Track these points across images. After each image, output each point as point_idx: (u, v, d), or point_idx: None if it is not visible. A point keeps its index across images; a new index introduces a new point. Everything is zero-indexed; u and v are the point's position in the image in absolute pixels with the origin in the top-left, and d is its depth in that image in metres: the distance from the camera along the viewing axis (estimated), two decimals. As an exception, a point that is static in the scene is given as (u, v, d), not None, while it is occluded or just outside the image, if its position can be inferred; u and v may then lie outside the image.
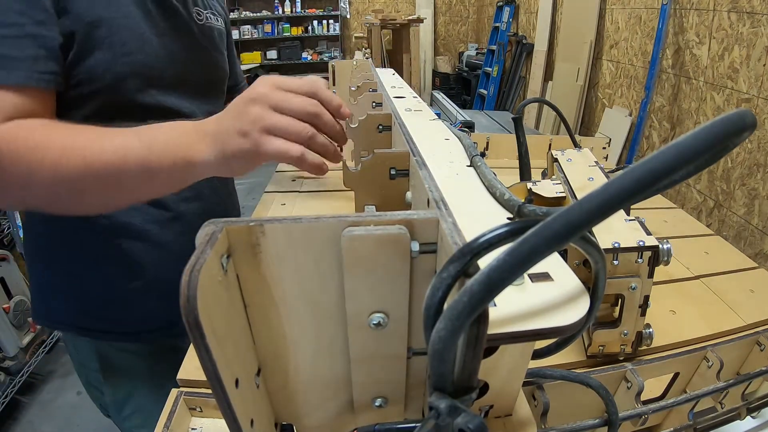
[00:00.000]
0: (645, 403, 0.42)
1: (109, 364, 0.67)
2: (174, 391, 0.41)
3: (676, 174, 0.12)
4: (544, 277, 0.19)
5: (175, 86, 0.61)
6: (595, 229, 0.45)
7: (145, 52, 0.56)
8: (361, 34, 4.04)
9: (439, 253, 0.20)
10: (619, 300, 0.45)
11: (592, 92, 2.98)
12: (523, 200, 0.23)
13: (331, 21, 5.45)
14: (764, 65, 1.67)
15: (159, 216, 0.63)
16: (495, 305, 0.18)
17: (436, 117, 0.44)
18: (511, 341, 0.16)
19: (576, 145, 0.62)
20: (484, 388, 0.24)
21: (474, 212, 0.22)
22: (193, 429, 0.40)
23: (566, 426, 0.40)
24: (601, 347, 0.46)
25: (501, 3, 4.36)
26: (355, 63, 0.80)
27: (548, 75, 3.54)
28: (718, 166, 1.91)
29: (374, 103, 0.60)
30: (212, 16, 0.68)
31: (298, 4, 5.38)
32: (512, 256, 0.13)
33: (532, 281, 0.19)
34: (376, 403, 0.25)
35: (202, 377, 0.46)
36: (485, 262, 0.15)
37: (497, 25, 4.38)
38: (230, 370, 0.18)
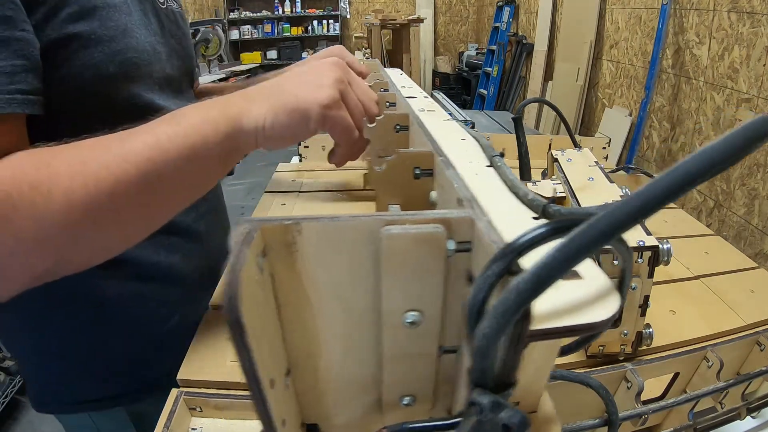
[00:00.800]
0: (645, 403, 0.42)
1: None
2: (174, 391, 0.41)
3: (709, 176, 0.13)
4: (574, 275, 0.19)
5: (161, 82, 0.53)
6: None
7: (131, 47, 0.47)
8: (361, 34, 4.04)
9: (474, 252, 0.20)
10: (619, 300, 0.45)
11: (592, 92, 2.98)
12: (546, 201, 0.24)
13: (331, 21, 5.46)
14: (764, 65, 1.67)
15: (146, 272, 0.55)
16: None
17: (450, 117, 0.44)
18: (545, 338, 0.17)
19: (576, 145, 0.63)
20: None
21: (499, 212, 0.22)
22: (193, 429, 0.40)
23: (566, 426, 0.40)
24: (601, 347, 0.46)
25: (501, 3, 4.36)
26: (362, 63, 0.81)
27: (548, 75, 3.54)
28: (718, 166, 1.92)
29: (388, 103, 0.60)
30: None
31: (298, 4, 5.39)
32: (560, 253, 0.14)
33: (562, 279, 0.19)
34: (404, 402, 0.25)
35: (202, 377, 0.46)
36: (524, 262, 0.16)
37: (497, 25, 4.38)
38: (266, 370, 0.18)
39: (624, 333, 0.45)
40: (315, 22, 5.46)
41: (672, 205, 0.87)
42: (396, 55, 3.60)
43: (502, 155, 0.32)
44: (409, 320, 0.21)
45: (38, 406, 0.57)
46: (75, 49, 0.42)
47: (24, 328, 0.54)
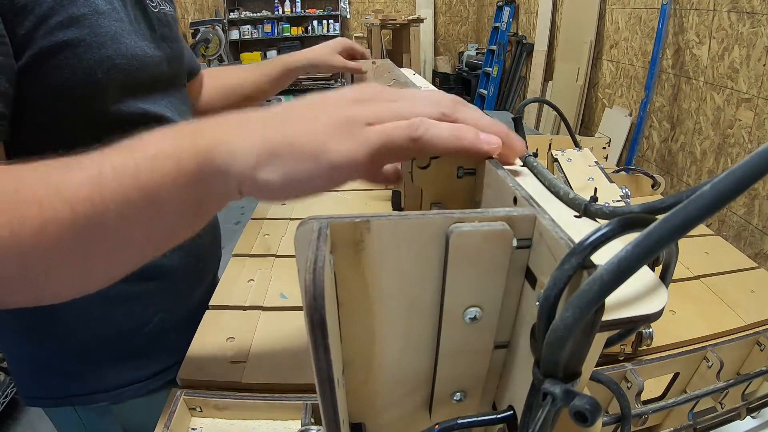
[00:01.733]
0: (645, 403, 0.42)
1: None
2: (174, 391, 0.41)
3: (762, 177, 0.13)
4: None
5: (150, 89, 0.52)
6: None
7: (121, 54, 0.45)
8: (361, 34, 4.04)
9: (534, 248, 0.21)
10: (619, 300, 0.45)
11: (592, 92, 2.98)
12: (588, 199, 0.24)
13: (331, 21, 5.45)
14: (764, 65, 1.67)
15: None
16: None
17: None
18: (609, 328, 0.18)
19: (576, 144, 0.62)
20: None
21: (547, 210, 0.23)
22: (193, 429, 0.40)
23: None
24: (601, 347, 0.46)
25: (501, 3, 4.36)
26: (374, 62, 0.81)
27: (548, 75, 3.54)
28: (718, 166, 1.91)
29: None
30: (163, 2, 0.58)
31: (298, 4, 5.38)
32: (639, 247, 0.15)
33: None
34: (456, 398, 0.25)
35: (202, 377, 0.46)
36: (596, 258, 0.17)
37: (497, 25, 4.38)
38: (335, 369, 0.18)
39: (624, 333, 0.45)
40: (315, 22, 5.45)
41: (672, 205, 0.87)
42: (396, 55, 3.60)
43: (535, 155, 0.32)
44: (470, 316, 0.22)
45: (25, 399, 0.58)
46: (65, 57, 0.41)
47: (7, 325, 0.55)
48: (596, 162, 0.56)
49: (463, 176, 0.32)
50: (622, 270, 0.15)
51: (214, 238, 0.70)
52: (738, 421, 0.48)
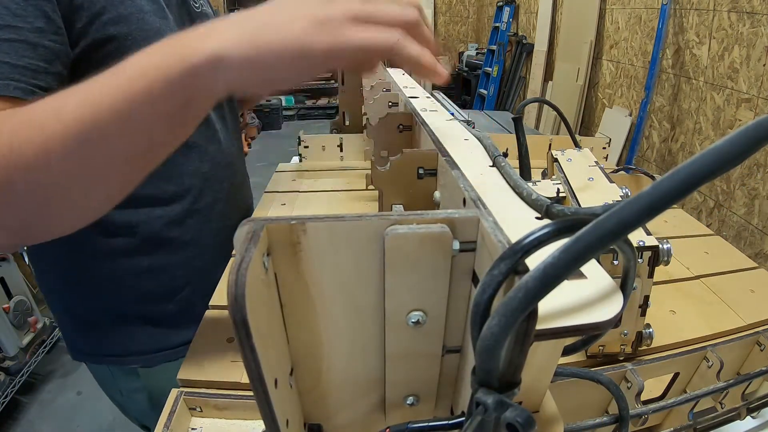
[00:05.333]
0: (645, 403, 0.42)
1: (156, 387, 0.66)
2: (174, 391, 0.41)
3: (714, 176, 0.12)
4: (579, 275, 0.19)
5: None
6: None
7: None
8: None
9: (478, 252, 0.20)
10: (619, 300, 0.45)
11: (592, 92, 2.98)
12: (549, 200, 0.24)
13: (331, 21, 5.45)
14: (764, 65, 1.67)
15: (172, 215, 0.61)
16: None
17: (452, 117, 0.44)
18: (551, 337, 0.17)
19: (576, 144, 0.63)
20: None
21: (502, 212, 0.22)
22: (193, 429, 0.40)
23: (573, 424, 0.40)
24: (601, 347, 0.46)
25: (501, 3, 4.36)
26: None
27: (548, 75, 3.54)
28: (718, 166, 1.92)
29: (390, 103, 0.60)
30: (205, 4, 0.65)
31: (298, 4, 5.38)
32: (567, 252, 0.14)
33: (567, 279, 0.19)
34: (408, 402, 0.25)
35: (202, 377, 0.46)
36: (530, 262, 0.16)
37: (497, 25, 4.37)
38: (271, 370, 0.18)
39: (624, 333, 0.45)
40: (315, 22, 5.45)
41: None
42: (396, 55, 3.59)
43: (505, 155, 0.32)
44: (413, 320, 0.21)
45: (72, 354, 0.66)
46: (114, 48, 0.47)
47: (57, 290, 0.64)
48: (596, 162, 0.56)
49: (424, 176, 0.32)
50: (549, 277, 0.14)
51: (244, 217, 0.73)
52: (738, 421, 0.48)
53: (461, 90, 4.91)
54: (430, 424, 0.23)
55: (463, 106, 4.00)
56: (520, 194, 0.26)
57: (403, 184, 0.32)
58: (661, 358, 0.44)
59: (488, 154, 0.33)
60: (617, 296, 0.18)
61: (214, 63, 0.29)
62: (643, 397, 0.42)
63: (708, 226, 0.99)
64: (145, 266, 0.61)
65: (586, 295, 0.18)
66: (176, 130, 0.32)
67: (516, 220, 0.19)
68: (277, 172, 0.92)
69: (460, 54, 5.25)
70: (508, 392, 0.17)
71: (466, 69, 4.91)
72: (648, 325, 0.46)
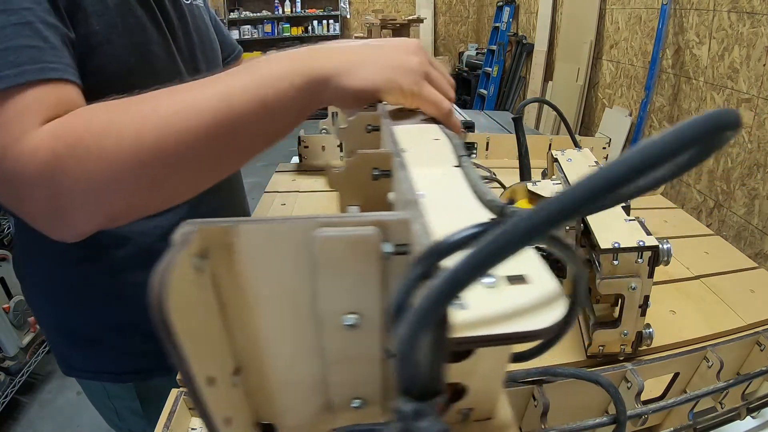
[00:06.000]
0: (645, 403, 0.42)
1: (148, 401, 0.64)
2: (174, 391, 0.41)
3: (643, 178, 0.12)
4: (521, 279, 0.19)
5: (183, 75, 0.56)
6: (595, 229, 0.45)
7: (152, 40, 0.50)
8: (361, 34, 4.04)
9: (412, 254, 0.20)
10: (619, 300, 0.45)
11: (592, 92, 2.98)
12: (506, 202, 0.23)
13: (331, 21, 5.45)
14: (764, 65, 1.67)
15: (167, 226, 0.59)
16: (466, 307, 0.18)
17: (428, 117, 0.44)
18: (482, 345, 0.16)
19: (576, 144, 0.63)
20: (463, 392, 0.24)
21: (456, 213, 0.22)
22: (192, 429, 0.41)
23: (571, 425, 0.40)
24: (601, 347, 0.46)
25: (501, 3, 4.36)
26: None
27: (548, 75, 3.54)
28: (718, 166, 1.91)
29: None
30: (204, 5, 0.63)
31: (298, 4, 5.38)
32: (473, 258, 0.13)
33: (509, 283, 0.19)
34: (354, 404, 0.25)
35: (202, 377, 0.46)
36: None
37: (497, 25, 4.38)
38: (203, 368, 0.18)
39: (624, 333, 0.45)
40: (315, 22, 5.45)
41: (672, 205, 0.87)
42: (396, 55, 3.60)
43: (470, 155, 0.32)
44: (348, 323, 0.21)
45: (64, 370, 0.64)
46: (99, 42, 0.46)
47: (49, 305, 0.61)
48: (596, 162, 0.56)
49: (379, 177, 0.32)
50: (454, 283, 0.13)
51: None
52: (738, 421, 0.48)
53: (461, 90, 4.92)
54: (374, 428, 0.23)
55: (463, 106, 4.00)
56: (477, 195, 0.26)
57: (359, 185, 0.32)
58: (661, 358, 0.44)
59: (455, 154, 0.33)
60: (560, 303, 0.17)
61: (328, 80, 0.38)
62: (643, 397, 0.42)
63: (708, 226, 0.99)
64: (141, 279, 0.57)
65: (527, 301, 0.17)
66: (295, 120, 0.40)
67: (470, 222, 0.19)
68: (277, 172, 0.92)
69: (460, 54, 5.25)
70: (431, 401, 0.17)
71: (466, 69, 4.91)
72: (648, 325, 0.46)
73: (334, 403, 0.24)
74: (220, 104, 0.35)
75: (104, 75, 0.46)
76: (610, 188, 0.12)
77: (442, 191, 0.26)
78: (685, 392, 0.45)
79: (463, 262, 0.13)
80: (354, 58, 0.39)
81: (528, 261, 0.20)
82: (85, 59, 0.43)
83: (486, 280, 0.19)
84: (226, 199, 0.68)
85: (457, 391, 0.23)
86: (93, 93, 0.42)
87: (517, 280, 0.18)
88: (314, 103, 0.39)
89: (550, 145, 1.01)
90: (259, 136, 0.39)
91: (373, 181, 0.32)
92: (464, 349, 0.19)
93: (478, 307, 0.17)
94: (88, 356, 0.62)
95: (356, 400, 0.24)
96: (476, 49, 5.09)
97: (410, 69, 0.40)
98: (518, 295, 0.18)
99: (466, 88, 4.86)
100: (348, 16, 5.52)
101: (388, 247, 0.19)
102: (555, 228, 0.13)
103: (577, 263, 0.19)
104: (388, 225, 0.19)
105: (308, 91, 0.38)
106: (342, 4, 5.42)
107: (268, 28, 5.45)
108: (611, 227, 0.44)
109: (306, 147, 0.96)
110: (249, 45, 5.48)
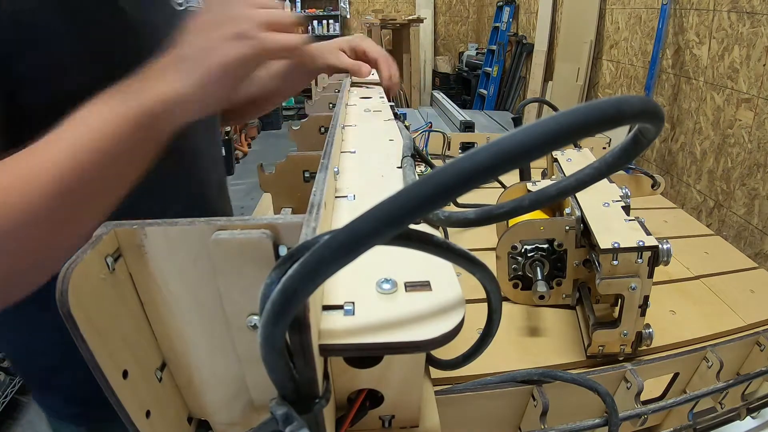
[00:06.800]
0: (645, 403, 0.42)
1: None
2: None
3: (484, 179, 0.11)
4: (423, 286, 0.19)
5: None
6: (595, 229, 0.45)
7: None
8: (361, 34, 4.03)
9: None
10: (619, 300, 0.45)
11: (592, 92, 2.98)
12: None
13: (331, 21, 5.45)
14: (764, 65, 1.67)
15: None
16: (353, 313, 0.18)
17: (393, 118, 0.43)
18: (360, 353, 0.16)
19: (576, 144, 0.63)
20: (380, 399, 0.24)
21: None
22: (192, 429, 0.40)
23: (567, 425, 0.40)
24: (600, 347, 0.46)
25: (501, 3, 4.36)
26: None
27: (548, 75, 3.54)
28: (718, 166, 1.91)
29: (330, 105, 0.59)
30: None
31: (298, 4, 5.38)
32: (302, 266, 0.13)
33: (406, 290, 0.19)
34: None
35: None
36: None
37: (497, 25, 4.37)
38: (115, 361, 0.19)
39: (624, 333, 0.45)
40: (315, 22, 5.46)
41: (672, 205, 0.87)
42: (396, 55, 3.60)
43: (413, 156, 0.32)
44: (252, 324, 0.21)
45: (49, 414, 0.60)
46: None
47: (13, 338, 0.56)
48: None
49: (310, 180, 0.32)
50: (288, 291, 0.13)
51: None
52: (738, 421, 0.48)
53: (461, 90, 4.92)
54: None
55: (463, 106, 4.00)
56: None
57: (290, 187, 0.33)
58: (660, 359, 0.44)
59: (401, 155, 0.33)
60: (458, 312, 0.17)
61: (167, 104, 0.34)
62: (643, 397, 0.42)
63: (708, 226, 0.99)
64: None
65: (423, 309, 0.17)
66: (143, 155, 0.36)
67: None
68: (277, 172, 0.92)
69: (460, 54, 5.25)
70: (313, 404, 0.17)
71: (466, 69, 4.91)
72: (648, 325, 0.46)
73: (256, 403, 0.25)
74: (62, 168, 0.32)
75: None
76: (456, 188, 0.11)
77: (375, 193, 0.26)
78: (685, 392, 0.45)
79: (297, 269, 0.13)
80: (186, 59, 0.36)
81: (437, 267, 0.20)
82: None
83: (385, 286, 0.19)
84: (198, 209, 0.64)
85: (376, 398, 0.24)
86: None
87: (420, 286, 0.19)
88: (164, 130, 0.36)
89: (550, 145, 1.01)
90: (118, 179, 0.36)
91: (305, 183, 0.32)
92: (344, 356, 0.19)
93: (366, 315, 0.18)
94: (40, 395, 0.58)
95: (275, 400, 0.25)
96: (476, 49, 5.08)
97: (237, 34, 0.36)
98: (414, 303, 0.18)
99: (466, 88, 4.86)
100: (348, 16, 5.52)
101: (283, 251, 0.20)
102: (387, 236, 0.12)
103: (487, 278, 0.19)
104: (281, 229, 0.19)
105: (149, 126, 0.35)
106: (342, 4, 5.42)
107: (268, 28, 5.45)
108: (611, 227, 0.44)
109: (306, 147, 0.96)
110: (249, 45, 5.49)
